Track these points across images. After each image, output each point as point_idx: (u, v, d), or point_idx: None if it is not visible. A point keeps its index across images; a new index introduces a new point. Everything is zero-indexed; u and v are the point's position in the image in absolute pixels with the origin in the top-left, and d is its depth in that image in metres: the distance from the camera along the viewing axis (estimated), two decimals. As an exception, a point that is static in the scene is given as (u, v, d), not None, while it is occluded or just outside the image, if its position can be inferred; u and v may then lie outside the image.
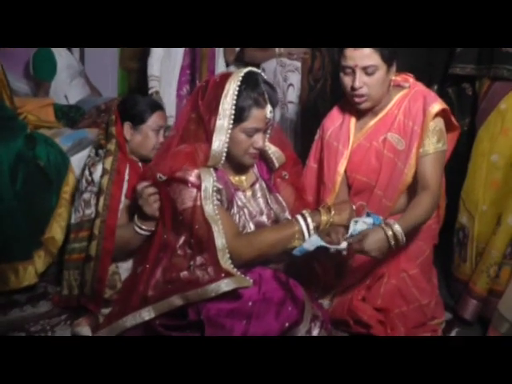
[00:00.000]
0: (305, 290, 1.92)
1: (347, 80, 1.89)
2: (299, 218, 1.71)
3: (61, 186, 2.36)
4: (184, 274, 1.66)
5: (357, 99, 1.91)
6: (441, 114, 1.95)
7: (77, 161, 2.46)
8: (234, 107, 1.66)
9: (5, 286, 2.18)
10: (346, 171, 2.06)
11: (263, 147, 1.79)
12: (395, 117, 1.97)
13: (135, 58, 4.09)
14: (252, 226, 1.79)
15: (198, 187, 1.66)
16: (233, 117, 1.66)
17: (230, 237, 1.65)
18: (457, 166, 2.31)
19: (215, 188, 1.68)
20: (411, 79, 2.03)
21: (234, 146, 1.72)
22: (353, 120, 2.05)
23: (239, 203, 1.79)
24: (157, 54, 3.26)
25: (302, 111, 3.13)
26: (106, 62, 3.94)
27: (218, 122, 1.67)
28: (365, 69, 1.84)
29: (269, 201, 1.87)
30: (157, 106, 2.13)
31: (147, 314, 1.66)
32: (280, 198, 1.91)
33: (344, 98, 2.04)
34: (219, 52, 3.38)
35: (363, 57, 1.83)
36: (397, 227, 1.74)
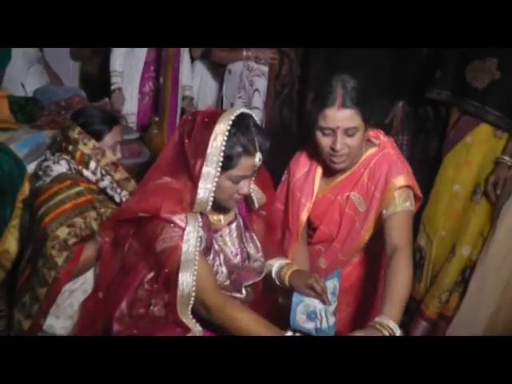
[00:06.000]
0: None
1: (326, 141, 1.78)
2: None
3: (16, 196, 2.24)
4: (147, 312, 1.62)
5: (336, 159, 1.81)
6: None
7: (34, 168, 2.35)
8: (222, 154, 1.57)
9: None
10: (309, 218, 1.99)
11: (248, 193, 1.71)
12: (360, 175, 1.89)
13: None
14: (224, 270, 1.73)
15: (183, 230, 1.58)
16: (221, 164, 1.57)
17: (208, 289, 1.61)
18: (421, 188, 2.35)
19: (199, 234, 1.60)
20: (382, 136, 1.93)
21: (219, 192, 1.62)
22: (319, 171, 1.96)
23: (216, 247, 1.74)
24: (120, 49, 3.15)
25: (267, 117, 3.09)
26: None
27: (205, 169, 1.57)
28: (346, 130, 1.75)
29: (243, 239, 1.81)
30: (114, 122, 2.06)
31: None
32: (255, 237, 1.84)
33: (311, 144, 1.92)
34: (185, 48, 3.29)
35: (345, 118, 1.73)
36: (392, 324, 1.51)
